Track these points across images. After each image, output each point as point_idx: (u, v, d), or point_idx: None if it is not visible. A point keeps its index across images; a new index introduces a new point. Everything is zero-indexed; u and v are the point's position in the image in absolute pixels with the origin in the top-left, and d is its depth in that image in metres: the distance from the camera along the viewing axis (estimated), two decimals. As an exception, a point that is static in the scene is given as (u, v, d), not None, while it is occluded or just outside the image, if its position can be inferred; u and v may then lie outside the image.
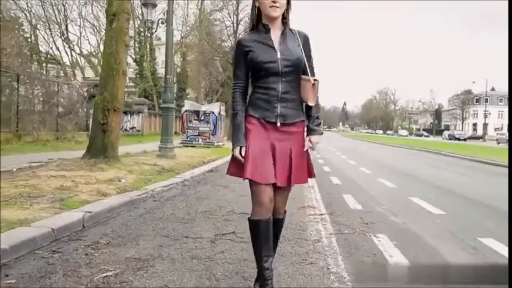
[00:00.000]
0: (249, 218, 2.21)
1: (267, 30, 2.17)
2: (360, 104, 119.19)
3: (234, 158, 2.19)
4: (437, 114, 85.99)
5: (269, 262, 2.21)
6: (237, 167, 2.19)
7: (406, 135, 70.49)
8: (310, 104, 2.20)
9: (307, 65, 2.21)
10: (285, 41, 2.18)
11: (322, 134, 2.28)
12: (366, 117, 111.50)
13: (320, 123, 2.27)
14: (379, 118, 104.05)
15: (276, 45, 2.16)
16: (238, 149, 2.17)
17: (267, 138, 2.15)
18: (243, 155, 2.14)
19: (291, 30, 2.22)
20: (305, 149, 2.22)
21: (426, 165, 12.81)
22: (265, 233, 2.19)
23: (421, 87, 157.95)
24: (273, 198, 2.16)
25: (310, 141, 2.24)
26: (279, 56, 2.14)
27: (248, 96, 2.26)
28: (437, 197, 6.22)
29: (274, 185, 2.15)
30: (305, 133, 2.27)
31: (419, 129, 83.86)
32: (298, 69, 2.18)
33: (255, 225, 2.19)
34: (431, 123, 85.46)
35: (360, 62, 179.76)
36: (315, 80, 2.19)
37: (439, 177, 9.15)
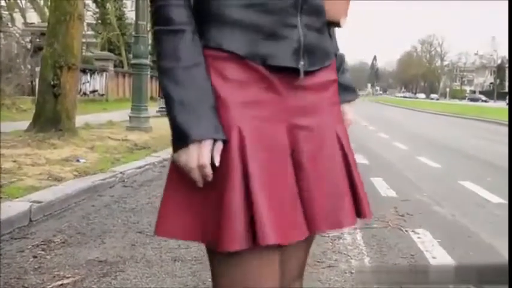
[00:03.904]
0: None
1: None
2: (395, 59, 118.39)
3: (181, 183, 1.11)
4: (500, 71, 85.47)
5: None
6: (194, 210, 1.11)
7: None
8: (342, 23, 1.30)
9: None
10: None
11: (357, 96, 1.46)
12: (403, 76, 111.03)
13: (348, 70, 1.42)
14: (420, 77, 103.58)
15: None
16: (207, 147, 1.05)
17: (278, 117, 1.13)
18: (217, 163, 1.06)
19: None
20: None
21: (481, 140, 12.82)
22: None
23: (479, 34, 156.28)
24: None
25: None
26: None
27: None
28: (497, 180, 6.25)
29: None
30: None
31: (474, 92, 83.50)
32: None
33: None
34: (491, 83, 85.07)
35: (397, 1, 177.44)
36: None
37: (498, 155, 9.15)
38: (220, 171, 1.06)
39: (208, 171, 1.05)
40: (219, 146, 1.06)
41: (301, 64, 1.13)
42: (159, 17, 1.09)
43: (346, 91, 1.35)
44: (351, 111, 1.37)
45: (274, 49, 1.11)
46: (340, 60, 1.34)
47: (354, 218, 1.23)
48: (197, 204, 1.11)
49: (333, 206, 1.18)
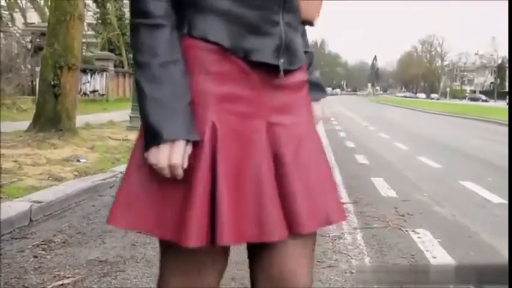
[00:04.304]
0: None
1: None
2: (396, 59, 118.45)
3: (142, 173, 1.09)
4: (501, 71, 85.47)
5: None
6: (153, 204, 1.09)
7: None
8: (315, 22, 1.30)
9: None
10: None
11: (326, 94, 1.44)
12: (404, 76, 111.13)
13: (317, 69, 1.44)
14: (420, 77, 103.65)
15: None
16: (178, 147, 1.02)
17: (256, 114, 1.11)
18: (185, 165, 1.04)
19: None
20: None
21: (481, 140, 12.83)
22: None
23: (479, 34, 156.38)
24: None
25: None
26: None
27: None
28: (497, 180, 6.25)
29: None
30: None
31: (474, 92, 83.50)
32: None
33: None
34: (491, 83, 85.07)
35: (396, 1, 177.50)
36: None
37: (498, 155, 9.15)
38: (189, 166, 1.04)
39: (179, 171, 1.03)
40: (189, 149, 1.03)
41: (281, 62, 1.12)
42: (137, 9, 1.06)
43: (316, 89, 1.34)
44: (319, 109, 1.37)
45: (258, 44, 1.09)
46: (310, 58, 1.34)
47: (343, 214, 1.23)
48: (159, 197, 1.08)
49: (318, 203, 1.15)
